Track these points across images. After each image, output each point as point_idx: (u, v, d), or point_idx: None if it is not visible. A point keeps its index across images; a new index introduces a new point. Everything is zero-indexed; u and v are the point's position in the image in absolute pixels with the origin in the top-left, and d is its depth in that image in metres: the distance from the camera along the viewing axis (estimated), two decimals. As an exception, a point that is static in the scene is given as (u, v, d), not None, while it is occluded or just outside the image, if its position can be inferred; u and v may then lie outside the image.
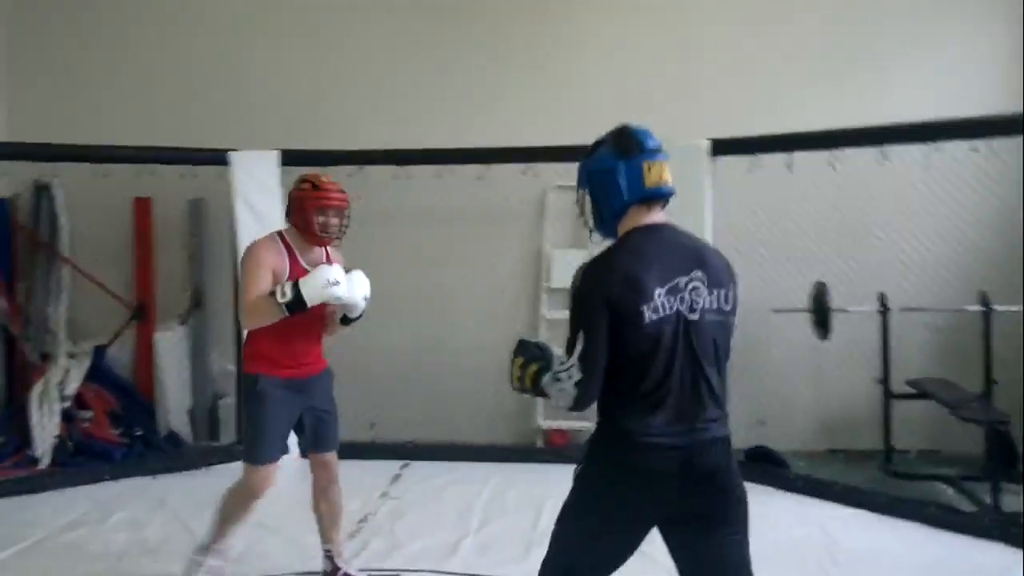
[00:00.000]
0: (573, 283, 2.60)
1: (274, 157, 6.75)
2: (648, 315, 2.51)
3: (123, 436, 6.87)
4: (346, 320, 4.10)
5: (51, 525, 5.20)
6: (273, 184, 6.70)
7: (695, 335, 2.57)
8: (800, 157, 6.10)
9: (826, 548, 4.84)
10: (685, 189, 6.06)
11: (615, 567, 2.65)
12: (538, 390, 2.65)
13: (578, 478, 2.68)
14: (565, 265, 7.27)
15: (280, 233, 4.07)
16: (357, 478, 6.09)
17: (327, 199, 3.97)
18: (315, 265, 3.93)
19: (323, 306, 3.91)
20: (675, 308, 2.55)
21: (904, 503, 5.52)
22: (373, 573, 4.42)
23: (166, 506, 5.46)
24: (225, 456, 6.46)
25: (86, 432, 6.78)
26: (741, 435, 6.68)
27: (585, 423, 7.14)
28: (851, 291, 6.55)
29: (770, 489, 5.90)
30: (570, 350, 2.57)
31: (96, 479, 6.07)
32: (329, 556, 4.27)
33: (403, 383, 7.34)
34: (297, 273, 3.92)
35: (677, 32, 7.29)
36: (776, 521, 5.24)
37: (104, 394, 7.09)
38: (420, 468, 6.43)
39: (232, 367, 6.80)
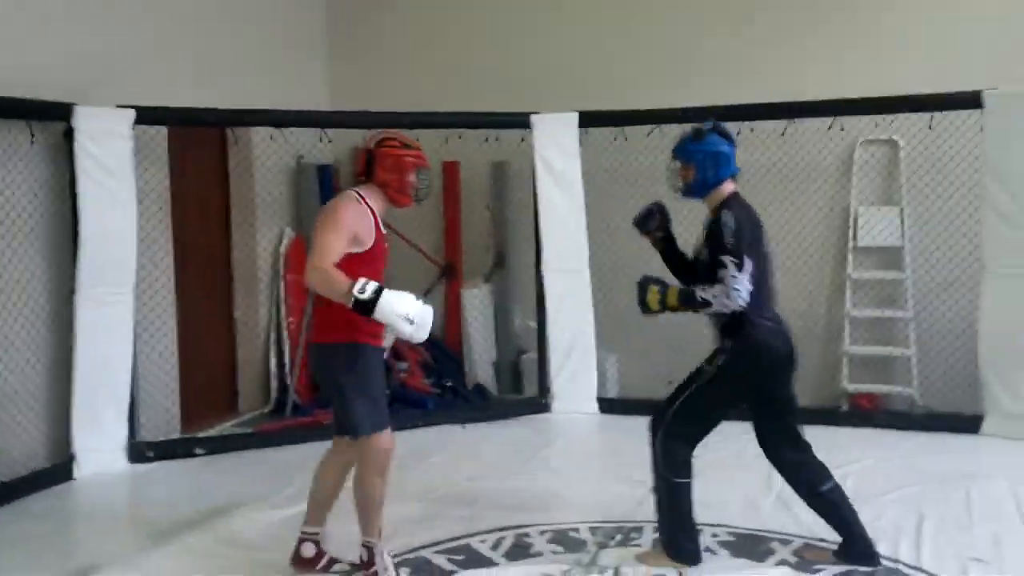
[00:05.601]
0: None
1: (573, 119, 6.88)
2: None
3: (434, 386, 7.33)
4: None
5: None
6: (572, 145, 6.86)
7: None
8: None
9: None
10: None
11: None
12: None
13: None
14: (875, 223, 6.93)
15: (359, 194, 3.86)
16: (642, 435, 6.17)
17: (423, 160, 3.89)
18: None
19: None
20: None
21: None
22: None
23: (479, 453, 5.71)
24: (527, 408, 6.73)
25: (402, 381, 7.28)
26: None
27: (895, 387, 6.81)
28: None
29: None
30: None
31: (411, 425, 6.44)
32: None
33: (699, 342, 7.28)
34: (379, 239, 3.84)
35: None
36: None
37: (417, 347, 7.54)
38: (720, 427, 6.33)
39: (533, 324, 7.02)
